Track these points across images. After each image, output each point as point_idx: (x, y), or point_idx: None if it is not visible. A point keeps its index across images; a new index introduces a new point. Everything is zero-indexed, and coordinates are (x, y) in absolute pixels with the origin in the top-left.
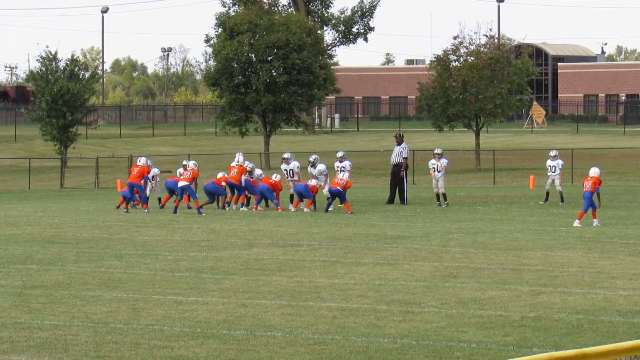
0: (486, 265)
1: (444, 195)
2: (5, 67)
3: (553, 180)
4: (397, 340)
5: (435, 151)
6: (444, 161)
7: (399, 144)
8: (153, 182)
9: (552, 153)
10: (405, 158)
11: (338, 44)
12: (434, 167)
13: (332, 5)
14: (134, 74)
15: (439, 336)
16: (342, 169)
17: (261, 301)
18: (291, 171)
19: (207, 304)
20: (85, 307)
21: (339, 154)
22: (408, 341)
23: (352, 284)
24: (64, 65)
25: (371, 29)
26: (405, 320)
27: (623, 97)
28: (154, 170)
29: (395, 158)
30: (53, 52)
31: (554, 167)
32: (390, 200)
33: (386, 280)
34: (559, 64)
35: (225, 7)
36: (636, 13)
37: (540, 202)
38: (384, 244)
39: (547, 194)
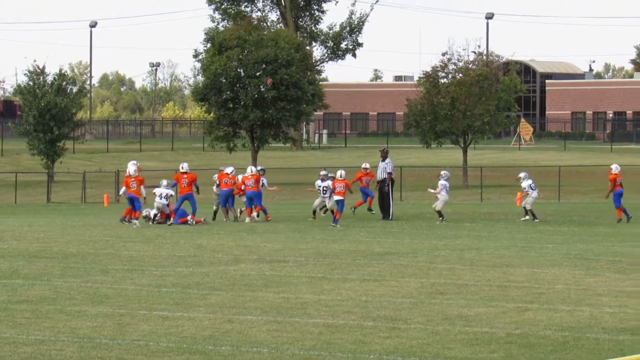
0: (473, 281)
1: (438, 212)
2: None
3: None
4: (383, 357)
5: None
6: (440, 183)
7: (384, 159)
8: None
9: (520, 175)
10: (390, 173)
11: (326, 59)
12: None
13: (321, 21)
14: (122, 89)
15: (425, 352)
16: (325, 189)
17: (247, 317)
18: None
19: (193, 319)
20: (70, 322)
21: (322, 173)
22: (394, 357)
23: (339, 300)
24: (52, 79)
25: (360, 45)
26: (391, 336)
27: (610, 115)
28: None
29: (380, 174)
30: (41, 66)
31: (529, 189)
32: (384, 215)
33: (372, 297)
34: (546, 81)
35: (214, 22)
36: (624, 31)
37: (536, 221)
38: (371, 260)
39: (531, 212)
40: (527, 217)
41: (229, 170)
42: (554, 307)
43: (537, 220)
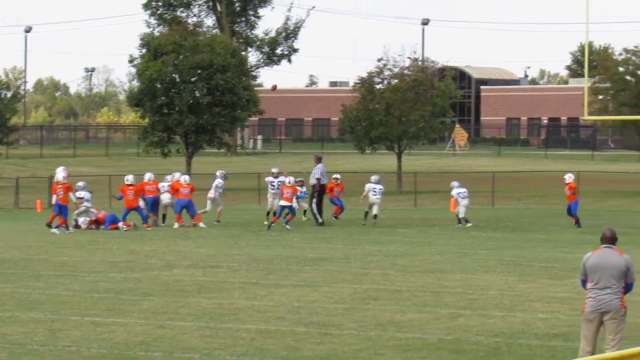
0: (406, 287)
1: (366, 213)
2: None
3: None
4: None
5: None
6: (365, 186)
7: (316, 165)
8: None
9: (451, 184)
10: (318, 179)
11: (262, 65)
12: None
13: (256, 27)
14: (57, 94)
15: (357, 358)
16: (279, 184)
17: (180, 323)
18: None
19: (126, 325)
20: (2, 327)
21: (274, 170)
22: None
23: (272, 305)
24: None
25: (295, 50)
26: (323, 342)
27: (545, 121)
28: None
29: (311, 179)
30: None
31: (457, 197)
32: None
33: (305, 302)
34: (482, 87)
35: (149, 27)
36: (559, 37)
37: (468, 225)
38: (304, 266)
39: (464, 219)
40: (461, 224)
41: (147, 177)
42: (486, 313)
43: (470, 225)
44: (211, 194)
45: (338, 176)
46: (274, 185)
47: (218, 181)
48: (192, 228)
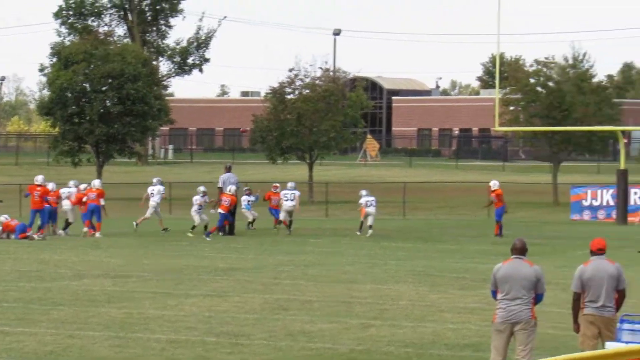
0: (316, 297)
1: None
2: None
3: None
4: None
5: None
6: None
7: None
8: None
9: (361, 193)
10: (219, 188)
11: (173, 74)
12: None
13: (168, 36)
14: None
15: None
16: (203, 204)
17: (89, 332)
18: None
19: (35, 335)
20: None
21: (202, 189)
22: None
23: (182, 315)
24: None
25: (206, 60)
26: (233, 352)
27: (456, 132)
28: None
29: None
30: None
31: (364, 205)
32: (229, 231)
33: (216, 312)
34: (393, 97)
35: (60, 36)
36: (470, 48)
37: (357, 233)
38: (215, 276)
39: (361, 223)
40: (370, 232)
41: (50, 187)
42: (397, 324)
43: (359, 233)
44: (156, 200)
45: (277, 184)
46: (202, 206)
47: (160, 187)
48: (101, 238)
